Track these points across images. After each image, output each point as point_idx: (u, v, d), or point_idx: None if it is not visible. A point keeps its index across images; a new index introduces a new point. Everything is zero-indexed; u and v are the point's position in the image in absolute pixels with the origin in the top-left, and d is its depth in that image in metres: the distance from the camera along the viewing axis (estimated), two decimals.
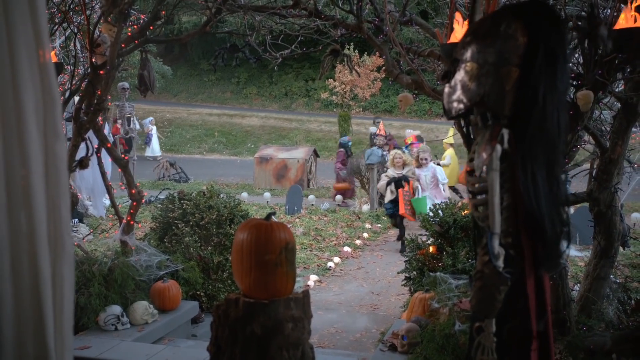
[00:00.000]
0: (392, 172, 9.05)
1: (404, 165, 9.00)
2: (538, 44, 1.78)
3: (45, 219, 1.17)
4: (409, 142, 11.92)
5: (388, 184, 8.88)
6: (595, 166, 4.20)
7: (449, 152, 11.72)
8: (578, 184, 4.83)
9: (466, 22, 3.07)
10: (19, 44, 1.13)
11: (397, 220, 8.90)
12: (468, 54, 1.88)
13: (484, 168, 1.85)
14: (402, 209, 8.63)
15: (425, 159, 9.14)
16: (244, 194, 12.61)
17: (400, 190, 8.69)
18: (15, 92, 1.14)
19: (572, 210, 9.23)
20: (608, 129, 4.25)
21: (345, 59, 4.44)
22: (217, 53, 4.57)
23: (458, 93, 1.91)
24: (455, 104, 1.93)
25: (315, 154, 15.09)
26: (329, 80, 20.18)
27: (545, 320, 1.83)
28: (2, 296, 1.14)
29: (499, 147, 1.82)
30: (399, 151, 9.39)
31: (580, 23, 3.39)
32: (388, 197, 8.86)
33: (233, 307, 2.28)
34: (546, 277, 1.88)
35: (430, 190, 8.96)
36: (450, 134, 11.67)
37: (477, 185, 1.89)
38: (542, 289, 1.82)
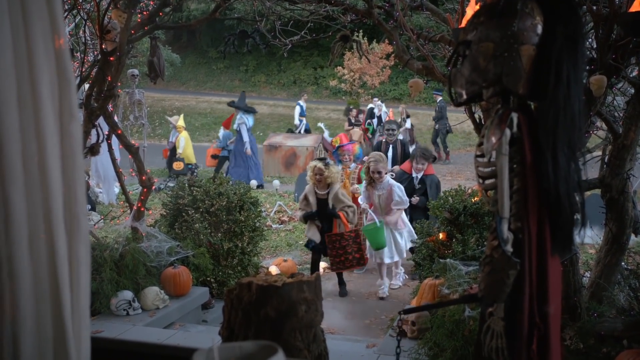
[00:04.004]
0: (311, 194, 5.87)
1: (328, 184, 5.82)
2: (556, 23, 1.76)
3: (62, 199, 1.18)
4: (336, 144, 7.63)
5: (307, 218, 5.88)
6: (607, 152, 4.17)
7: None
8: (590, 170, 4.78)
9: (477, 5, 3.04)
10: (35, 28, 1.13)
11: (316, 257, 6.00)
12: (481, 34, 1.86)
13: (493, 152, 1.84)
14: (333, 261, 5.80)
15: (379, 173, 5.96)
16: (253, 182, 12.63)
17: (325, 235, 5.77)
18: (32, 75, 1.14)
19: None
20: (621, 115, 4.21)
21: (355, 45, 4.41)
22: (227, 39, 4.56)
23: (469, 75, 1.89)
24: (468, 87, 1.91)
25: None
26: (338, 68, 20.11)
27: (547, 306, 1.82)
28: (21, 275, 1.16)
29: (508, 131, 1.81)
30: (318, 162, 5.87)
31: (595, 7, 3.34)
32: (312, 233, 5.91)
33: (246, 290, 2.30)
34: (555, 262, 1.86)
35: (383, 217, 6.00)
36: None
37: (486, 170, 1.89)
38: (546, 274, 1.81)
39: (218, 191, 5.64)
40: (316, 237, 5.85)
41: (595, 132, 4.33)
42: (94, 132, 4.88)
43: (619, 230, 4.00)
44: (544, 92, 1.81)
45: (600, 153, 4.46)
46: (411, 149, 9.48)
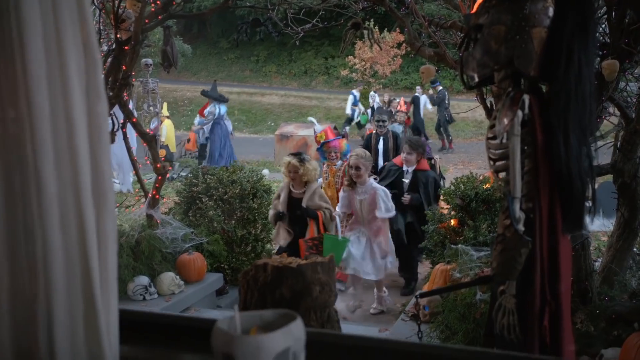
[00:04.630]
0: (284, 191, 5.15)
1: (305, 182, 5.06)
2: (567, 5, 1.78)
3: (90, 176, 1.23)
4: (321, 139, 6.65)
5: (277, 218, 5.12)
6: (619, 138, 4.17)
7: None
8: (602, 156, 4.77)
9: None
10: (64, 12, 1.19)
11: None
12: (493, 17, 1.88)
13: (505, 134, 1.88)
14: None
15: (357, 169, 5.05)
16: (265, 171, 12.68)
17: (300, 241, 4.94)
18: (60, 58, 1.19)
19: (596, 184, 9.11)
20: (634, 100, 4.20)
21: (367, 32, 4.43)
22: (240, 28, 4.60)
23: (481, 58, 1.92)
24: (480, 69, 1.94)
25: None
26: (349, 57, 20.06)
27: (558, 284, 1.86)
28: (53, 248, 1.21)
29: (520, 113, 1.84)
30: (292, 158, 5.09)
31: None
32: (281, 238, 5.14)
33: (262, 271, 2.35)
34: (565, 241, 1.90)
35: (365, 226, 5.19)
36: None
37: (498, 151, 1.92)
38: (557, 253, 1.85)
39: (231, 179, 5.71)
40: (285, 242, 5.08)
41: (608, 117, 4.34)
42: (109, 120, 4.96)
43: (631, 215, 4.01)
44: (555, 74, 1.83)
45: (613, 140, 4.46)
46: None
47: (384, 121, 7.58)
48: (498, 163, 1.94)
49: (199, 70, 30.44)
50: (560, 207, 1.84)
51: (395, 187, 5.68)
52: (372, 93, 16.59)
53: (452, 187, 5.27)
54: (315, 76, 28.15)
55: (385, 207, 5.08)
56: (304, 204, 5.01)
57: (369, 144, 7.42)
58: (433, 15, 4.68)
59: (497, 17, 1.88)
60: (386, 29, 18.65)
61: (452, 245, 4.57)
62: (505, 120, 1.84)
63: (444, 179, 6.79)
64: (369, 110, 15.52)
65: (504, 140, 1.87)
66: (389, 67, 19.70)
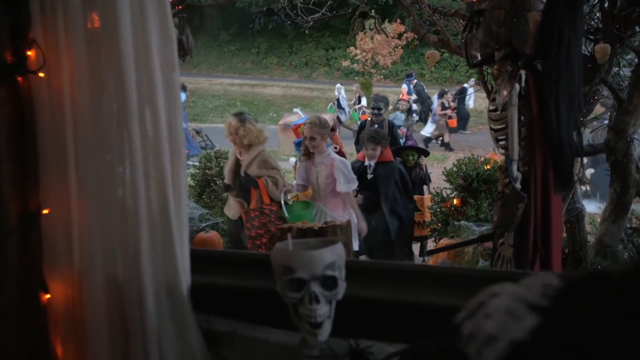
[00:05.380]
0: (230, 159, 4.89)
1: (247, 145, 4.65)
2: None
3: (166, 133, 1.50)
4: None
5: (224, 189, 5.08)
6: (612, 118, 4.43)
7: None
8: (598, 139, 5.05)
9: None
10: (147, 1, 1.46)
11: None
12: (493, 3, 2.16)
13: (504, 104, 2.15)
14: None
15: (313, 139, 4.47)
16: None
17: (242, 212, 4.71)
18: (144, 35, 1.46)
19: (592, 170, 9.36)
20: (627, 83, 4.47)
21: (375, 20, 4.69)
22: (255, 17, 4.86)
23: (483, 39, 2.19)
24: (482, 49, 2.21)
25: (339, 121, 15.34)
26: (350, 48, 20.26)
27: (549, 235, 2.13)
28: (139, 194, 1.48)
29: (517, 86, 2.11)
30: (233, 119, 4.67)
31: None
32: (232, 210, 4.93)
33: (287, 234, 2.63)
34: (557, 198, 2.18)
35: (322, 202, 4.58)
36: None
37: (498, 120, 2.19)
38: (549, 208, 2.12)
39: None
40: (235, 215, 4.75)
41: (601, 99, 4.60)
42: None
43: (622, 190, 4.29)
44: (548, 53, 2.10)
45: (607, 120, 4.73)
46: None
47: (379, 109, 7.37)
48: (499, 131, 2.21)
49: (200, 62, 30.58)
50: (552, 168, 2.11)
51: (360, 186, 4.98)
52: (338, 85, 16.74)
53: (455, 169, 5.55)
54: (316, 67, 28.34)
55: (345, 179, 4.48)
56: (242, 171, 4.47)
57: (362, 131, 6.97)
58: (437, 4, 4.93)
59: (497, 3, 2.15)
60: (387, 19, 18.83)
61: (455, 222, 4.85)
62: (504, 92, 2.12)
63: (430, 181, 6.36)
64: (335, 103, 15.68)
65: (504, 111, 2.14)
66: (390, 58, 19.90)
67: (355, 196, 4.97)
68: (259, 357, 1.50)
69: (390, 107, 14.62)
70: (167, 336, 1.52)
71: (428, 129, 13.96)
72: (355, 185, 4.63)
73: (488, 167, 5.41)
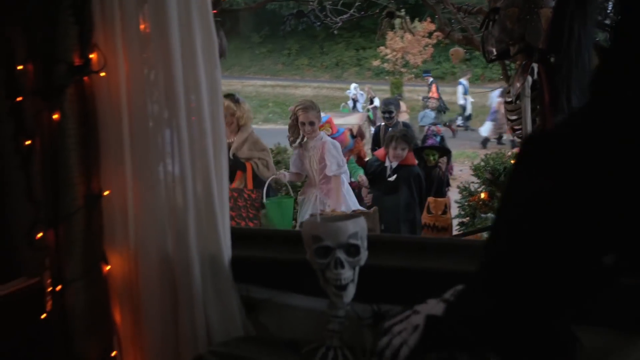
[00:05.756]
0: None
1: (240, 126, 4.42)
2: None
3: (210, 122, 1.71)
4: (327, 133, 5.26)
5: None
6: None
7: None
8: None
9: None
10: (193, 3, 1.67)
11: None
12: (508, 1, 2.31)
13: (518, 95, 2.30)
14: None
15: (312, 124, 4.31)
16: None
17: None
18: (190, 37, 1.67)
19: None
20: None
21: (402, 20, 4.85)
22: (285, 19, 5.07)
23: (499, 35, 2.34)
24: (497, 45, 2.36)
25: (369, 120, 15.47)
26: (380, 48, 20.38)
27: None
28: (187, 179, 1.69)
29: (529, 78, 2.26)
30: (227, 100, 4.25)
31: None
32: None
33: None
34: None
35: (317, 188, 4.37)
36: None
37: (513, 110, 2.34)
38: None
39: (276, 160, 6.21)
40: None
41: None
42: None
43: None
44: (559, 47, 2.24)
45: None
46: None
47: (390, 112, 7.05)
48: (514, 121, 2.36)
49: (232, 64, 31.10)
50: None
51: (376, 187, 4.87)
52: (353, 85, 16.74)
53: (482, 163, 5.67)
54: (347, 68, 28.51)
55: (337, 163, 4.26)
56: (230, 153, 4.23)
57: (377, 136, 7.06)
58: (462, 2, 5.06)
59: (511, 1, 2.30)
60: (417, 18, 18.86)
61: (482, 215, 4.97)
62: (518, 84, 2.26)
63: (449, 185, 6.00)
64: (351, 102, 15.68)
65: (518, 102, 2.29)
66: (420, 57, 19.95)
67: (360, 193, 4.87)
68: (291, 321, 1.69)
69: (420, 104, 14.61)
70: (211, 303, 1.73)
71: (487, 128, 13.35)
72: (345, 169, 4.40)
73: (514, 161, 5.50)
